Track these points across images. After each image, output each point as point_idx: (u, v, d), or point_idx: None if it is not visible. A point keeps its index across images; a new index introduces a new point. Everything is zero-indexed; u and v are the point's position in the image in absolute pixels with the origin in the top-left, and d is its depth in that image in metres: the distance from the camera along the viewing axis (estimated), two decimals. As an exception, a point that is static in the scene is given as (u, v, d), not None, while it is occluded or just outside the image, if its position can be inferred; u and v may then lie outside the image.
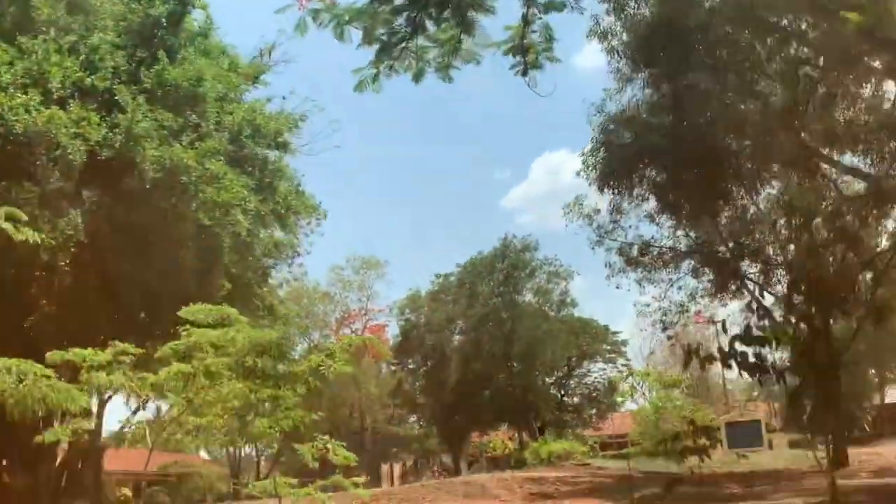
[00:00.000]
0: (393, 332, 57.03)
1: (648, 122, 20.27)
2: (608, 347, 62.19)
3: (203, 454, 63.67)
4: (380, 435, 57.90)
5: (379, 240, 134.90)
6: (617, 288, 31.62)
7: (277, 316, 26.80)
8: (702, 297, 31.60)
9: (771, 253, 25.50)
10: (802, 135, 19.17)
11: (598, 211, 31.48)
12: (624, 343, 62.65)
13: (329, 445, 15.95)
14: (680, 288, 31.68)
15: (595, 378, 61.73)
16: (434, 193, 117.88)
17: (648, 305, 32.02)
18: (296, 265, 34.65)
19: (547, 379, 57.92)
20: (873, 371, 52.73)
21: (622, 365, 58.06)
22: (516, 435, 55.12)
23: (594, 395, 60.88)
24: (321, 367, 15.33)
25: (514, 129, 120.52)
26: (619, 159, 21.67)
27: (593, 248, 31.68)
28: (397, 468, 68.39)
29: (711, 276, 30.04)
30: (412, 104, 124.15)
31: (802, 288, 20.83)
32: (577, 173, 29.46)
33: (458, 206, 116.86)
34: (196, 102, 21.22)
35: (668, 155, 19.42)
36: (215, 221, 20.00)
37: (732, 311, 36.90)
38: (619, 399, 32.92)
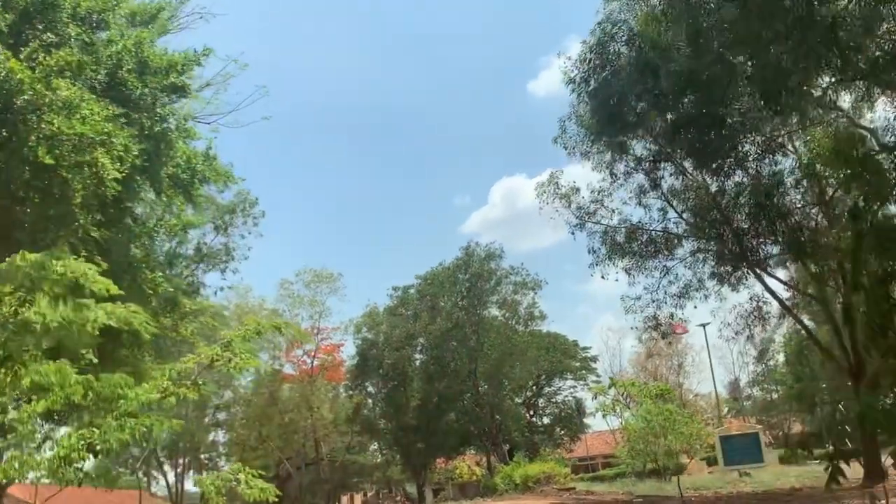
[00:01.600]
0: (349, 352, 50.25)
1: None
2: (578, 364, 56.54)
3: (154, 489, 55.95)
4: (338, 464, 51.03)
5: (335, 265, 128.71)
6: (603, 278, 25.67)
7: (185, 312, 20.09)
8: (696, 290, 25.73)
9: (799, 219, 19.62)
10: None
11: (577, 190, 25.73)
12: (594, 359, 57.26)
13: (241, 476, 10.62)
14: (672, 282, 25.83)
15: (565, 396, 56.00)
16: (393, 219, 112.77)
17: (639, 298, 25.94)
18: (230, 271, 29.26)
19: (515, 398, 51.70)
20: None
21: (593, 381, 52.24)
22: (484, 460, 48.50)
23: (565, 414, 55.00)
24: (217, 363, 10.43)
25: (474, 154, 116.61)
26: (617, 93, 15.75)
27: (573, 233, 25.90)
28: (358, 499, 61.45)
29: (714, 261, 24.15)
30: (369, 128, 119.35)
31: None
32: (554, 140, 23.87)
33: (417, 233, 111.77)
34: (46, 12, 14.77)
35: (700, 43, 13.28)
36: (63, 162, 13.39)
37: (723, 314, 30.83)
38: (602, 413, 27.06)
